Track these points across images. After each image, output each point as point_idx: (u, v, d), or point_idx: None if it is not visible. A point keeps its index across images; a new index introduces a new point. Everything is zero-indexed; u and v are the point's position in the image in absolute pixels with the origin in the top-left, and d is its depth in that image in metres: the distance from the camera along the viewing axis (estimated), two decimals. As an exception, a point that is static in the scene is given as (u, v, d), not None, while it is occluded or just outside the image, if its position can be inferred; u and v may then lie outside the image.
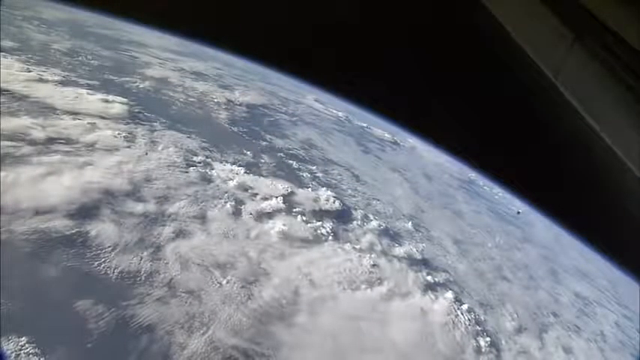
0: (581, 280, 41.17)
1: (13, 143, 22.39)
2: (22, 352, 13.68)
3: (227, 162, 31.26)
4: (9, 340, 13.76)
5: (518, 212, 48.43)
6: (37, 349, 13.92)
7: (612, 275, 41.70)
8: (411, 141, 59.20)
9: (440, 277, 29.30)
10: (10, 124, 23.71)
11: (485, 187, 55.57)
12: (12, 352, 13.52)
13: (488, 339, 24.98)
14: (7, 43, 34.55)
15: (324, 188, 34.26)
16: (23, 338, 14.01)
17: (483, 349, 24.18)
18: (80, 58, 39.63)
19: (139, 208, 22.50)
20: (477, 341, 24.49)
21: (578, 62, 2.64)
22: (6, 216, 17.95)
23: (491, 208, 51.12)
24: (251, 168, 32.02)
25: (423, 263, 30.22)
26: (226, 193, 27.31)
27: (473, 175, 55.60)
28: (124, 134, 28.48)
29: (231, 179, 29.03)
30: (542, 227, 48.15)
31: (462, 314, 26.05)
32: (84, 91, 32.37)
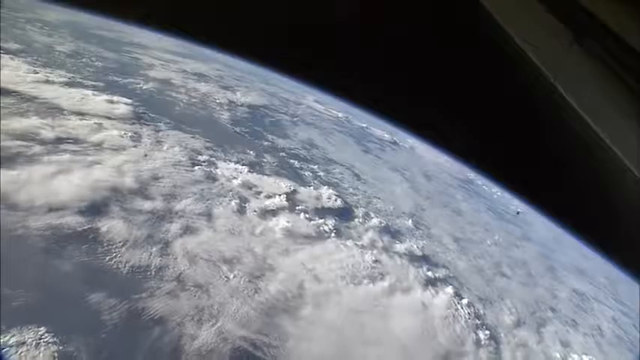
0: (579, 277, 41.60)
1: (25, 143, 22.90)
2: (41, 340, 14.20)
3: (231, 161, 31.82)
4: (29, 329, 14.31)
5: (518, 212, 48.79)
6: (55, 339, 14.43)
7: (610, 273, 42.11)
8: (410, 141, 59.67)
9: (440, 273, 29.82)
10: (21, 124, 24.23)
11: (484, 187, 56.07)
12: (32, 341, 14.07)
13: (487, 332, 25.49)
14: (13, 45, 35.16)
15: (326, 187, 34.85)
16: (42, 328, 14.53)
17: (483, 342, 24.68)
18: (84, 60, 40.21)
19: (147, 205, 22.97)
20: (477, 334, 24.99)
21: (578, 62, 2.70)
22: (21, 212, 18.50)
23: (491, 207, 51.63)
24: (254, 167, 32.60)
25: (424, 259, 30.73)
26: (231, 191, 27.84)
27: (472, 174, 56.03)
28: (129, 134, 28.97)
29: (235, 178, 29.55)
30: (541, 226, 48.59)
31: (462, 308, 26.56)
32: (89, 92, 32.90)
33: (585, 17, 2.58)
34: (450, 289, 28.01)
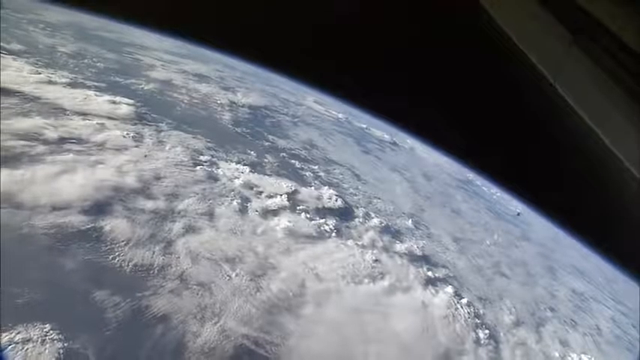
0: (578, 277, 41.71)
1: (28, 143, 23.10)
2: (46, 337, 14.40)
3: (232, 161, 32.05)
4: (34, 326, 14.50)
5: (518, 213, 48.86)
6: (60, 336, 14.63)
7: (609, 273, 42.17)
8: (410, 142, 59.76)
9: (440, 273, 30.03)
10: (24, 124, 24.43)
11: (483, 187, 56.14)
12: (38, 338, 14.26)
13: (487, 331, 25.70)
14: (16, 46, 35.30)
15: (327, 187, 35.07)
16: (47, 325, 14.73)
17: (482, 341, 24.89)
18: (86, 61, 40.35)
19: (150, 204, 23.19)
20: (477, 333, 25.20)
21: (577, 63, 2.66)
22: (26, 211, 18.70)
23: (490, 207, 51.77)
24: (255, 167, 32.82)
25: (424, 259, 30.95)
26: (232, 191, 28.07)
27: (471, 175, 56.11)
28: (132, 134, 29.19)
29: (236, 178, 29.80)
30: (541, 226, 48.60)
31: (462, 308, 26.77)
32: (91, 92, 33.09)
33: (584, 17, 2.60)
34: (449, 289, 28.23)
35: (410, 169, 52.09)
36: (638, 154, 2.35)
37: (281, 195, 30.25)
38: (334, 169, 40.56)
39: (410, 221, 36.38)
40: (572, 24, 2.72)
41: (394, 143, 59.60)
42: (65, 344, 14.47)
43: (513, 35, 3.27)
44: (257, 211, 27.24)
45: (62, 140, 24.95)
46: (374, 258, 27.79)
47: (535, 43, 3.09)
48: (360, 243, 29.01)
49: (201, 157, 30.37)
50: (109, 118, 30.16)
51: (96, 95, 32.77)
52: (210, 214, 24.76)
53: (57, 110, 27.94)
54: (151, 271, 19.16)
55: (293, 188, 32.05)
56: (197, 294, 19.06)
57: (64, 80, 33.10)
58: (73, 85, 33.12)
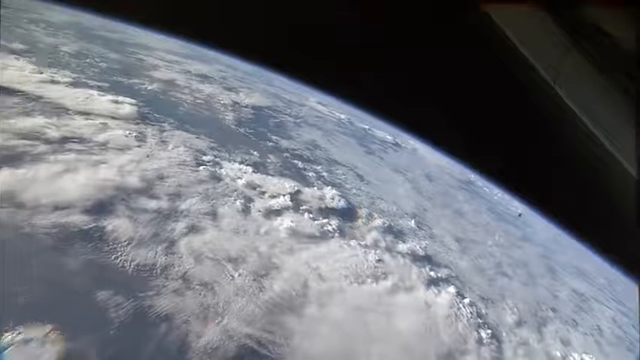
0: (579, 277, 41.77)
1: (30, 142, 23.11)
2: (48, 337, 14.38)
3: (235, 161, 32.03)
4: (36, 326, 14.48)
5: (519, 214, 48.93)
6: (62, 335, 14.60)
7: (610, 274, 42.18)
8: (412, 143, 59.88)
9: (442, 273, 30.00)
10: (26, 123, 24.44)
11: (484, 188, 56.25)
12: (40, 338, 14.25)
13: (489, 331, 25.67)
14: (18, 46, 35.34)
15: (329, 187, 35.03)
16: (49, 325, 14.71)
17: (485, 341, 24.87)
18: (88, 61, 40.39)
19: (152, 204, 23.14)
20: (479, 333, 25.18)
21: (576, 66, 2.69)
22: (28, 211, 18.71)
23: (491, 208, 51.86)
24: (258, 167, 32.81)
25: (426, 259, 30.95)
26: (235, 191, 28.04)
27: (473, 176, 56.18)
28: (134, 134, 29.18)
29: (239, 178, 29.77)
30: (541, 227, 48.64)
31: (464, 307, 26.74)
32: (94, 92, 33.06)
33: (583, 20, 2.62)
34: (452, 289, 28.20)
35: (412, 170, 52.17)
36: (637, 156, 2.39)
37: (284, 195, 30.25)
38: (337, 169, 40.60)
39: (412, 221, 36.40)
40: (571, 27, 2.74)
41: (397, 144, 59.77)
42: (67, 344, 14.45)
43: (514, 37, 3.30)
44: (260, 211, 27.23)
45: (64, 140, 24.93)
46: (377, 258, 27.77)
47: (535, 44, 3.10)
48: (362, 243, 28.99)
49: (204, 157, 30.35)
50: (112, 117, 30.17)
51: (98, 95, 32.76)
52: (213, 214, 24.74)
53: (59, 110, 27.94)
54: (154, 271, 19.12)
55: (296, 188, 32.05)
56: (200, 294, 19.02)
57: (66, 80, 33.13)
58: (75, 84, 33.13)
